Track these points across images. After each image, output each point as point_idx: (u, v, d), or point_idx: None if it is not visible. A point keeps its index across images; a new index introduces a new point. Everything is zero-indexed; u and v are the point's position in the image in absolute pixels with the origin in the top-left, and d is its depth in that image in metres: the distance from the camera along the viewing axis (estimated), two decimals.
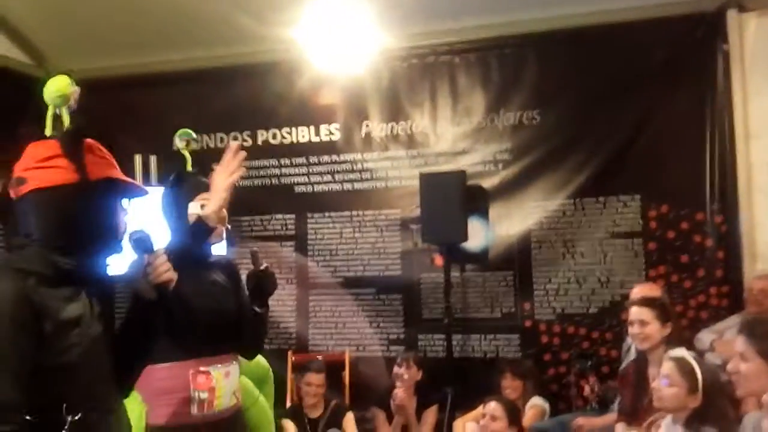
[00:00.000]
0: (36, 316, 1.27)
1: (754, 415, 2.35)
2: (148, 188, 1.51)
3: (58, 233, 1.35)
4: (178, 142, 2.34)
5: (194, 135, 2.37)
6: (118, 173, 1.41)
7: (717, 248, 4.03)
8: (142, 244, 1.50)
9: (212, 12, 4.15)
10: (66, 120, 1.40)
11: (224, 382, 2.09)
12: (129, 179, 1.44)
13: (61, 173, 1.35)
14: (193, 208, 2.11)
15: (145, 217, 1.93)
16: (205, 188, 2.13)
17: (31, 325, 1.25)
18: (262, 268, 2.20)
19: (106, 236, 1.41)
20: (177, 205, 2.14)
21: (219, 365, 2.08)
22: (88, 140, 1.40)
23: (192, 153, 2.33)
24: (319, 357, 4.32)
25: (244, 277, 2.24)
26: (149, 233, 1.52)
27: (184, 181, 2.19)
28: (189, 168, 2.28)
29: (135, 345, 1.52)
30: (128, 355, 1.49)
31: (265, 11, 4.04)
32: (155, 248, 1.52)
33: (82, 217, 1.37)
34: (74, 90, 1.41)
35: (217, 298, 2.13)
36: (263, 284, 2.19)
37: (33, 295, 1.28)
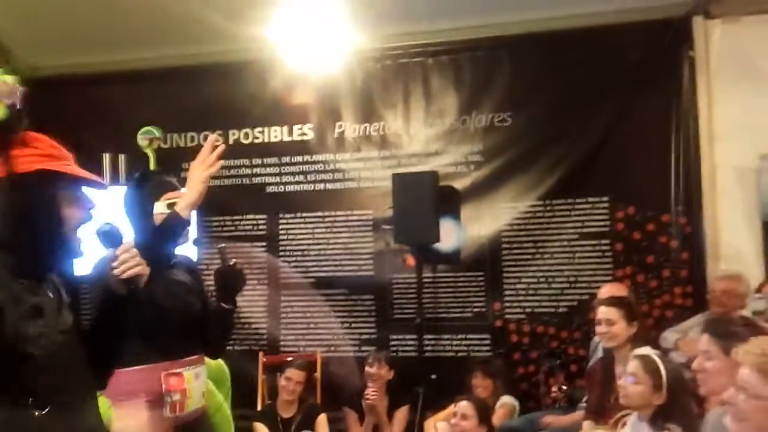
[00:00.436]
0: None
1: (717, 412, 2.40)
2: (115, 187, 1.47)
3: None
4: (141, 140, 2.31)
5: (157, 133, 2.35)
6: (56, 166, 1.37)
7: (682, 249, 4.12)
8: (110, 237, 1.46)
9: (184, 10, 4.11)
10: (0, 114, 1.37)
11: (195, 383, 2.08)
12: (69, 170, 1.39)
13: None
14: (159, 208, 2.09)
15: (113, 212, 1.89)
16: (171, 187, 2.13)
17: None
18: (230, 264, 2.19)
19: (46, 231, 1.37)
20: (141, 204, 2.12)
21: (190, 366, 2.07)
22: (27, 133, 1.37)
23: (162, 151, 2.31)
24: (290, 358, 4.30)
25: (208, 276, 2.23)
26: (117, 226, 1.48)
27: (149, 180, 2.17)
28: (152, 166, 2.26)
29: (106, 343, 1.49)
30: (99, 353, 1.47)
31: (238, 9, 4.01)
32: (124, 241, 1.48)
33: (10, 212, 1.34)
34: (13, 88, 1.37)
35: (184, 298, 2.11)
36: (231, 281, 2.18)
37: None
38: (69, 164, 1.39)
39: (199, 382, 2.12)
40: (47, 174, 1.36)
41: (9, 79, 1.36)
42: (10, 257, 1.33)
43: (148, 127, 2.32)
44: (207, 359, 2.24)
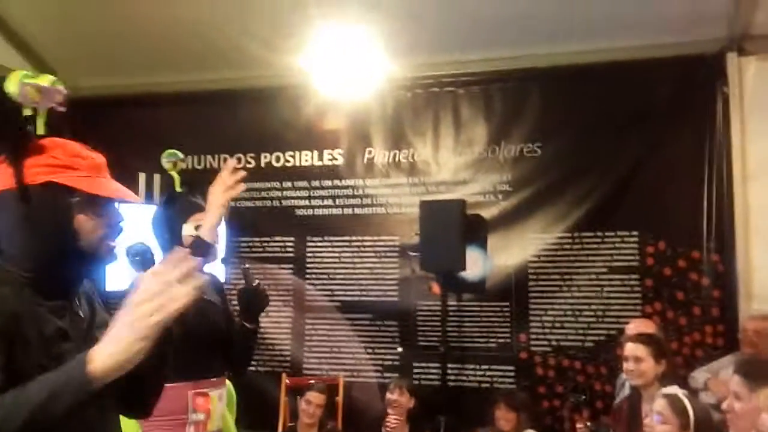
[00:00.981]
0: (13, 322, 1.16)
1: None
2: (149, 205, 1.41)
3: (7, 243, 1.27)
4: (165, 163, 2.38)
5: (181, 155, 2.41)
6: (67, 178, 1.26)
7: (713, 287, 4.05)
8: (142, 257, 1.45)
9: (222, 36, 4.23)
10: (40, 121, 1.30)
11: (218, 404, 2.11)
12: (80, 185, 1.27)
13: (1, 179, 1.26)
14: (187, 230, 2.13)
15: (145, 231, 1.93)
16: (198, 209, 2.17)
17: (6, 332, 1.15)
18: (254, 285, 2.21)
19: (57, 245, 1.27)
20: (169, 225, 2.17)
21: (214, 388, 2.10)
22: (50, 140, 1.28)
23: (196, 173, 2.38)
24: (312, 381, 4.31)
25: (233, 295, 2.26)
26: (149, 246, 1.45)
27: (176, 201, 2.22)
28: (178, 188, 2.32)
29: (153, 369, 1.27)
30: (143, 380, 1.28)
31: (274, 38, 4.12)
32: (156, 261, 1.44)
33: (18, 227, 1.25)
34: (29, 87, 1.26)
35: (213, 318, 2.15)
36: (255, 301, 2.21)
37: (9, 301, 1.19)
38: (88, 176, 1.29)
39: (221, 403, 2.15)
40: (59, 185, 1.26)
41: (45, 80, 1.28)
42: (19, 272, 1.24)
43: (172, 150, 2.38)
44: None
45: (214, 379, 2.12)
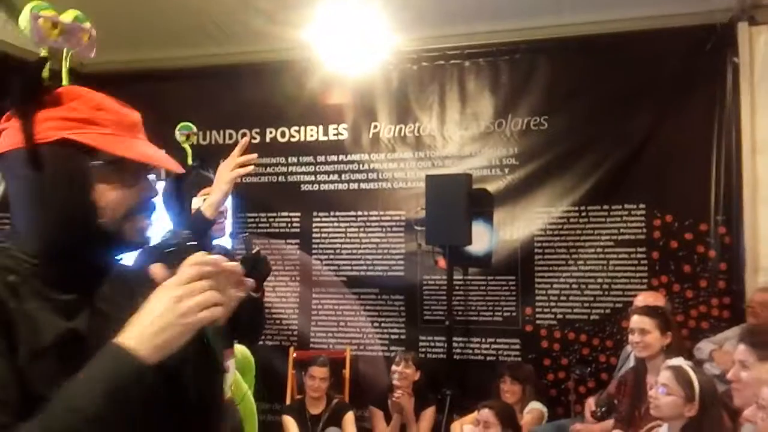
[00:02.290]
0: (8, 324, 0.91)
1: (751, 428, 2.37)
2: (157, 182, 1.19)
3: (16, 220, 1.01)
4: (179, 136, 2.38)
5: (194, 128, 2.41)
6: (84, 135, 0.98)
7: (720, 260, 4.04)
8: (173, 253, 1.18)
9: (225, 10, 4.19)
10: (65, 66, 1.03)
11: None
12: (102, 144, 0.99)
13: (8, 137, 0.99)
14: (197, 203, 2.14)
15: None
16: (209, 182, 2.16)
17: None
18: (254, 251, 2.21)
19: (70, 221, 0.98)
20: (179, 198, 2.17)
21: None
22: (70, 89, 1.01)
23: (201, 148, 2.38)
24: (320, 355, 4.35)
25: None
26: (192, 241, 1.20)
27: (187, 175, 2.22)
28: (190, 161, 2.32)
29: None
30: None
31: (278, 11, 4.07)
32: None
33: (26, 197, 0.99)
34: (43, 20, 1.00)
35: None
36: (257, 267, 2.19)
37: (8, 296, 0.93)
38: (114, 134, 1.01)
39: (228, 375, 2.17)
40: (76, 144, 0.98)
41: (68, 15, 1.04)
42: (22, 255, 0.97)
43: (185, 123, 2.38)
44: (236, 349, 2.29)
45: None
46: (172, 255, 1.10)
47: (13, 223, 1.01)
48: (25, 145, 0.96)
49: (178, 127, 2.39)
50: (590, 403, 3.43)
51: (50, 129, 0.97)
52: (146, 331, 0.87)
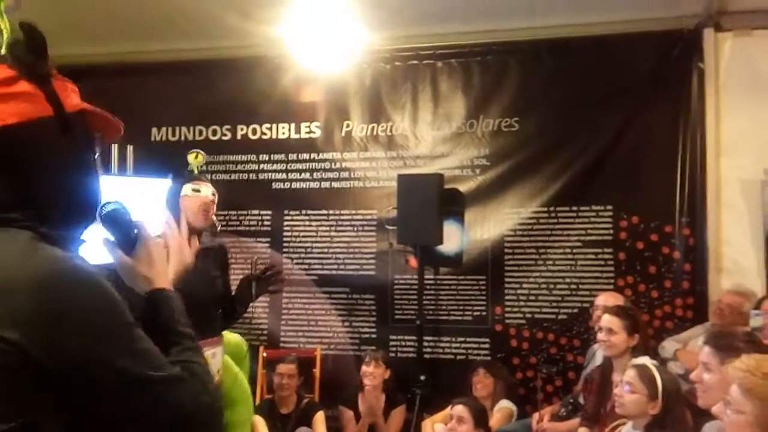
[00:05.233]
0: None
1: (714, 425, 2.42)
2: (123, 178, 1.22)
3: (39, 193, 0.96)
4: (189, 155, 2.83)
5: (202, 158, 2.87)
6: (100, 112, 1.04)
7: (684, 261, 4.13)
8: (118, 219, 1.12)
9: (197, 5, 4.13)
10: (3, 25, 0.99)
11: (211, 361, 2.26)
12: (102, 111, 1.05)
13: (26, 104, 0.94)
14: (185, 190, 2.50)
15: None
16: (202, 180, 2.57)
17: None
18: (269, 272, 2.65)
19: (84, 196, 1.02)
20: (176, 199, 2.51)
21: (206, 348, 2.22)
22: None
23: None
24: (291, 354, 4.33)
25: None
26: (125, 205, 1.13)
27: (182, 176, 2.59)
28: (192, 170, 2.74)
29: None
30: None
31: (251, 7, 4.04)
32: (134, 225, 1.14)
33: (53, 166, 0.97)
34: None
35: (206, 285, 2.45)
36: (254, 291, 2.60)
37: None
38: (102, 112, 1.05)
39: (215, 360, 2.33)
40: (88, 118, 1.03)
41: None
42: (44, 232, 0.93)
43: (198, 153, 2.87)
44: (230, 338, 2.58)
45: (206, 341, 2.25)
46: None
47: (31, 198, 0.94)
48: (55, 113, 0.96)
49: (196, 160, 2.84)
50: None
51: (71, 98, 1.00)
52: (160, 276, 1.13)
